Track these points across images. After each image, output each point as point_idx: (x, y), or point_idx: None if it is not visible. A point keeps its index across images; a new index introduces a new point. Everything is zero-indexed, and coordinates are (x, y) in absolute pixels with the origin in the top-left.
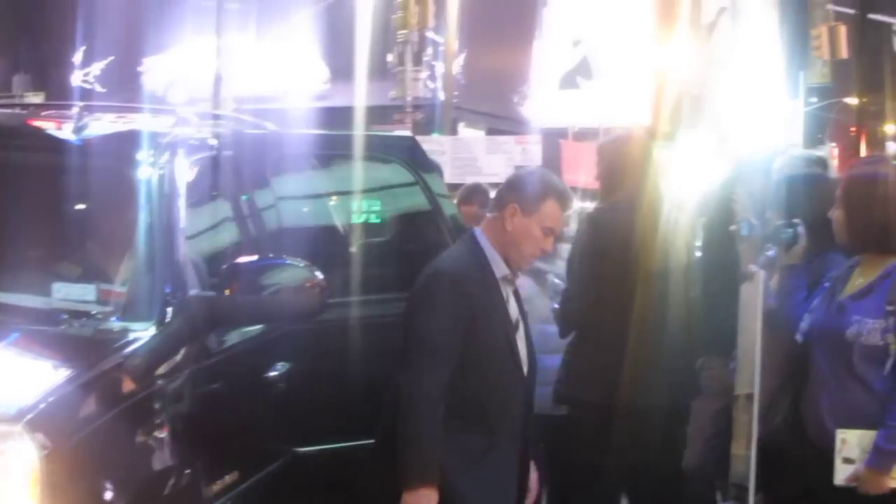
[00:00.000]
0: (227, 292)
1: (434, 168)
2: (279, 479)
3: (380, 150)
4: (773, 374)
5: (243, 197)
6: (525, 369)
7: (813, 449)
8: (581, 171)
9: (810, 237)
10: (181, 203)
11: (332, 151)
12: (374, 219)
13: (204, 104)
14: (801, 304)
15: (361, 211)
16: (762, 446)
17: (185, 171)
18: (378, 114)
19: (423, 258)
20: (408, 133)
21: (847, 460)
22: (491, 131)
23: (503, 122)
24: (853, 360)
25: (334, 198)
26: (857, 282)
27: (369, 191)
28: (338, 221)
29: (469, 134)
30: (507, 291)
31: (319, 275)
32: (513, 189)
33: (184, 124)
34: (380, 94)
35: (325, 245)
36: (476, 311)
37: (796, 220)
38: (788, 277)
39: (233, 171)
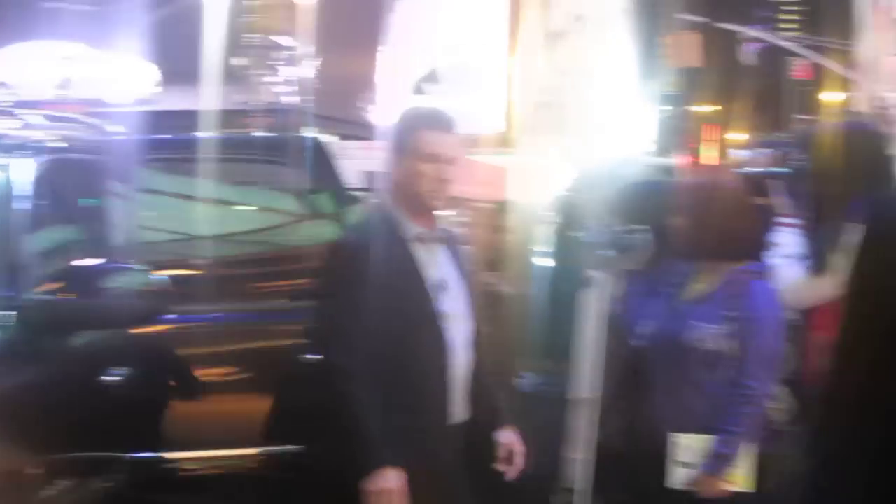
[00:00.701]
0: (65, 295)
1: (337, 172)
2: (116, 485)
3: (261, 151)
4: (611, 378)
5: (92, 200)
6: (461, 336)
7: (647, 452)
8: None
9: (656, 243)
10: (23, 206)
11: (198, 154)
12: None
13: (48, 107)
14: (640, 310)
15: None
16: (597, 450)
17: (29, 174)
18: (225, 118)
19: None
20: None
21: (682, 464)
22: (344, 137)
23: (355, 128)
24: (690, 365)
25: (202, 202)
26: (696, 288)
27: (236, 193)
28: (202, 225)
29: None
30: (431, 250)
31: (161, 279)
32: (387, 140)
33: (29, 127)
34: (225, 97)
35: (183, 249)
36: (382, 279)
37: (642, 227)
38: (630, 283)
39: (80, 174)
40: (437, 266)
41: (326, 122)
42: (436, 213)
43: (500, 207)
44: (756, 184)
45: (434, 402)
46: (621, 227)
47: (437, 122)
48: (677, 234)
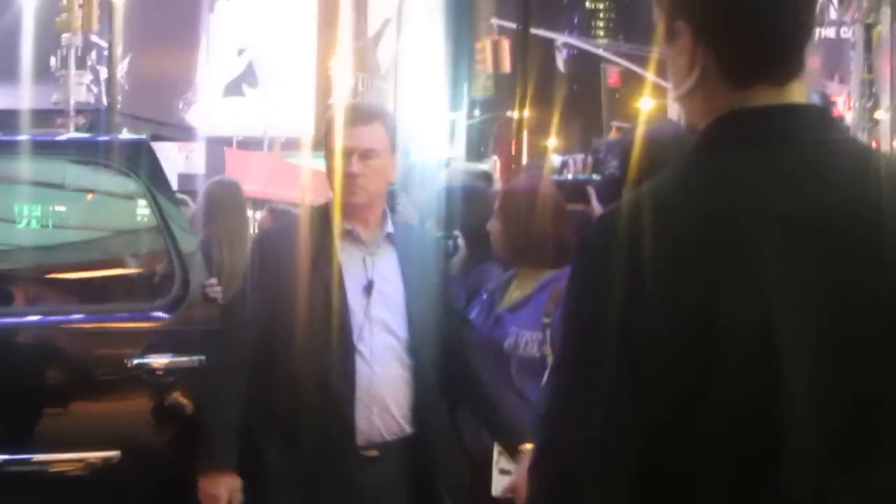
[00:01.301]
0: None
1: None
2: None
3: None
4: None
5: None
6: (385, 345)
7: (471, 459)
8: (247, 180)
9: (469, 248)
10: None
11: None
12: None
13: None
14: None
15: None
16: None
17: None
18: (40, 118)
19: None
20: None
21: (504, 471)
22: (155, 138)
23: (168, 129)
24: (511, 371)
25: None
26: (514, 294)
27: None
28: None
29: None
30: (364, 251)
31: None
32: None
33: None
34: (43, 97)
35: None
36: (284, 280)
37: (455, 232)
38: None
39: None
40: (367, 268)
41: (138, 122)
42: (379, 213)
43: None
44: (573, 189)
45: (329, 413)
46: (437, 232)
47: (346, 112)
48: (495, 239)
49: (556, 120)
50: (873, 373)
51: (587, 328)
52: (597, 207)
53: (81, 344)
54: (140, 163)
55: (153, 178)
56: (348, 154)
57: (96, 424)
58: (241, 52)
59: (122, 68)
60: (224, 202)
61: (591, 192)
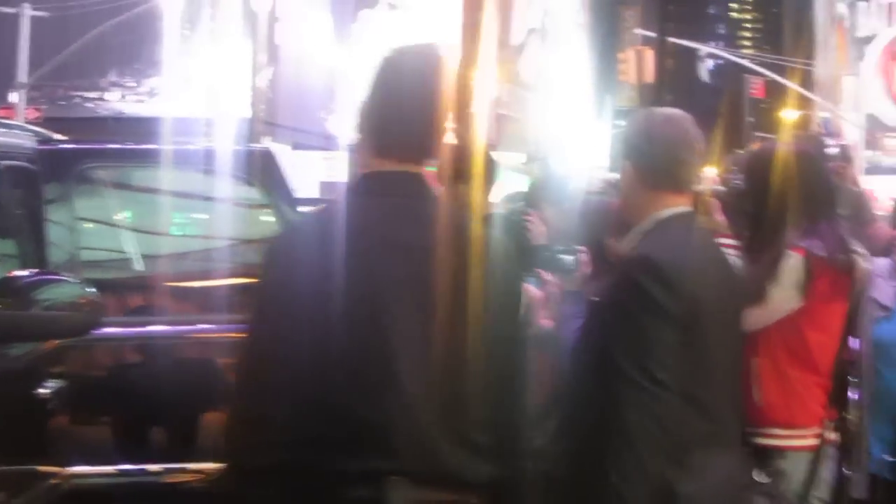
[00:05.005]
0: None
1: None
2: (49, 500)
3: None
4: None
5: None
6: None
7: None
8: None
9: (595, 263)
10: None
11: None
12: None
13: None
14: (576, 331)
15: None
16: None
17: None
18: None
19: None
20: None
21: None
22: (297, 146)
23: (311, 138)
24: None
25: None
26: None
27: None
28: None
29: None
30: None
31: (93, 291)
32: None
33: None
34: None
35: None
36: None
37: (577, 246)
38: (566, 303)
39: (15, 183)
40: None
41: (281, 130)
42: None
43: None
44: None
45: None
46: (559, 247)
47: None
48: (611, 253)
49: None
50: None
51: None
52: (721, 220)
53: (208, 353)
54: (260, 171)
55: (273, 185)
56: None
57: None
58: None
59: (265, 77)
60: None
61: (715, 204)
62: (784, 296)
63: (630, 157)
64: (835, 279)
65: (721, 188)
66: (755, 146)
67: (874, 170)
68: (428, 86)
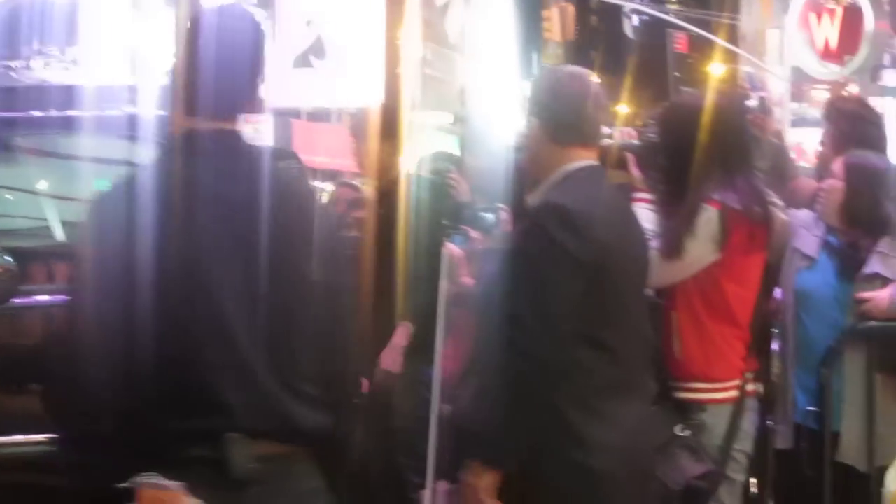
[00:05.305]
0: None
1: None
2: None
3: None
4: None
5: None
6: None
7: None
8: (315, 152)
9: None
10: None
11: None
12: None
13: None
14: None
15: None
16: (451, 425)
17: None
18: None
19: None
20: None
21: None
22: None
23: None
24: None
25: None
26: None
27: None
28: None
29: None
30: None
31: (8, 260)
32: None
33: None
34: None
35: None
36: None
37: (499, 205)
38: (486, 262)
39: None
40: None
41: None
42: None
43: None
44: (613, 157)
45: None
46: (481, 205)
47: None
48: None
49: (626, 88)
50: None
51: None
52: (636, 174)
53: None
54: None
55: None
56: None
57: None
58: (309, 23)
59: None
60: None
61: (630, 158)
62: (700, 249)
63: (537, 113)
64: (751, 231)
65: (635, 142)
66: (672, 100)
67: (800, 122)
68: (233, 43)
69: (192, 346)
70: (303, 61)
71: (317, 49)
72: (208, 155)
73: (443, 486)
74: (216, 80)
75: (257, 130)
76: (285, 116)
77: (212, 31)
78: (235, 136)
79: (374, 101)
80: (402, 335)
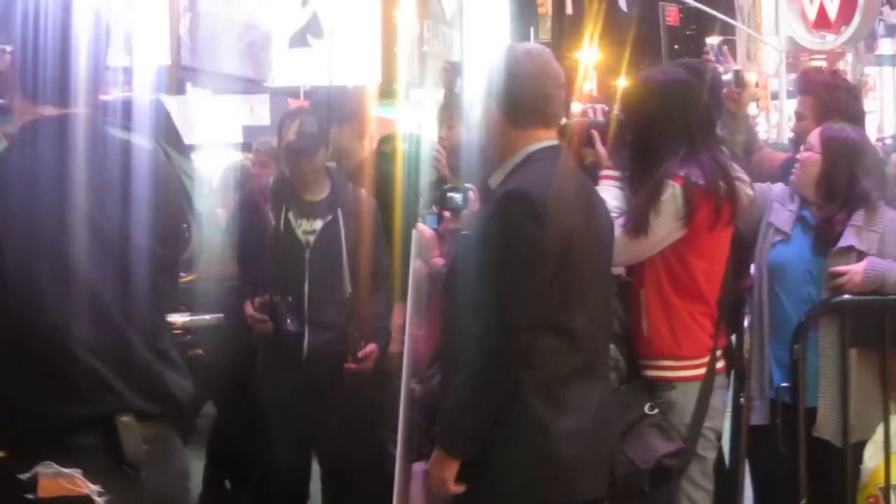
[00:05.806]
0: None
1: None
2: None
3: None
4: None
5: None
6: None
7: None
8: None
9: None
10: None
11: None
12: None
13: None
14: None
15: None
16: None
17: None
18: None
19: None
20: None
21: None
22: (218, 91)
23: (232, 83)
24: None
25: None
26: None
27: None
28: None
29: (196, 94)
30: None
31: None
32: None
33: None
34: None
35: None
36: None
37: (468, 185)
38: (454, 242)
39: None
40: None
41: (201, 76)
42: None
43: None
44: (580, 133)
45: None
46: (449, 186)
47: None
48: None
49: (625, 61)
50: None
51: None
52: (601, 150)
53: None
54: (150, 121)
55: (161, 134)
56: None
57: None
58: (305, 2)
59: (184, 24)
60: None
61: (595, 135)
62: (665, 226)
63: (494, 95)
64: (717, 207)
65: (601, 119)
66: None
67: (797, 93)
68: (62, 29)
69: (66, 327)
70: (300, 40)
71: (314, 28)
72: (57, 140)
73: (420, 466)
74: (55, 66)
75: (254, 111)
76: (282, 96)
77: (41, 19)
78: (80, 122)
79: (372, 80)
80: (399, 314)
